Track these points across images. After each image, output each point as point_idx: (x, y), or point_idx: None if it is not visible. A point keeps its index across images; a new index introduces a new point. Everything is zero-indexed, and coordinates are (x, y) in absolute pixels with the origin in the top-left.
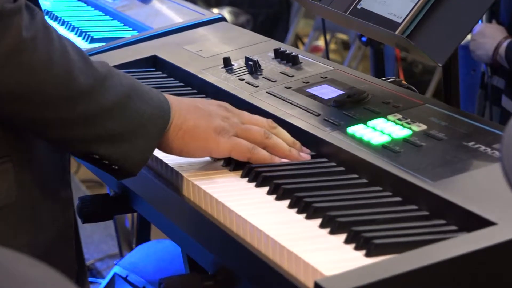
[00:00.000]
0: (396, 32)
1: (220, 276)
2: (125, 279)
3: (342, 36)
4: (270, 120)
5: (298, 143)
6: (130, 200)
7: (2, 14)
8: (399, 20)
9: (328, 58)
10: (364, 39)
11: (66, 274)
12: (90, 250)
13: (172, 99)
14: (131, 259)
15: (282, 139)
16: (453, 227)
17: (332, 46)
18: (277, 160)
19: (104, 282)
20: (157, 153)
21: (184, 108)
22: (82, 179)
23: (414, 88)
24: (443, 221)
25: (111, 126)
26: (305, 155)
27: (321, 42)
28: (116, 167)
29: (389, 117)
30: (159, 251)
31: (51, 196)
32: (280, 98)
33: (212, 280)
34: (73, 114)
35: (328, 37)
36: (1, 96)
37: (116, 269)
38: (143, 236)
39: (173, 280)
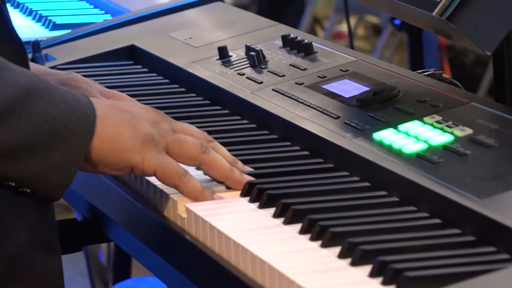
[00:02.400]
0: (434, 13)
1: None
2: None
3: (372, 19)
4: (205, 133)
5: (239, 162)
6: (103, 227)
7: None
8: None
9: (352, 46)
10: (397, 22)
11: None
12: None
13: (96, 101)
14: None
15: (221, 155)
16: (506, 256)
17: (360, 31)
18: (208, 195)
19: None
20: None
21: (102, 112)
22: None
23: (458, 83)
24: (493, 248)
25: (6, 137)
26: (248, 177)
27: (345, 27)
28: (28, 190)
29: (426, 119)
30: None
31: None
32: (289, 97)
33: None
34: None
35: (354, 20)
36: None
37: None
38: (121, 272)
39: None
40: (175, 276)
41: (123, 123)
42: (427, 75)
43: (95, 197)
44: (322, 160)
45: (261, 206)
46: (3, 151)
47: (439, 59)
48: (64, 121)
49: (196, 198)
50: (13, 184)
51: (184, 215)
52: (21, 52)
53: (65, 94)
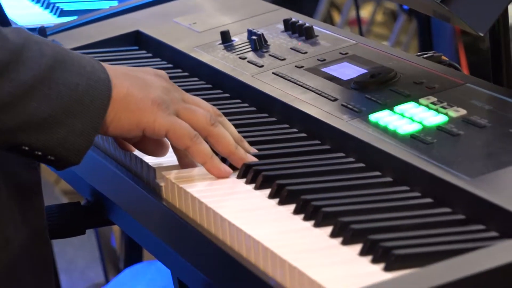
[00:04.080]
0: None
1: None
2: None
3: (391, 5)
4: (214, 107)
5: (246, 143)
6: (106, 210)
7: None
8: None
9: (360, 32)
10: (405, 7)
11: None
12: (73, 278)
13: (107, 66)
14: (115, 287)
15: (228, 131)
16: (494, 233)
17: (379, 17)
18: (217, 161)
19: None
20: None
21: (114, 75)
22: (64, 189)
23: (457, 65)
24: (482, 226)
25: (36, 108)
26: (252, 157)
27: (364, 12)
28: (53, 158)
29: (421, 100)
30: (150, 275)
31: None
32: (288, 80)
33: None
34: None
35: (372, 6)
36: None
37: None
38: (132, 257)
39: None
40: (177, 260)
41: (134, 86)
42: (426, 58)
43: (98, 180)
44: (319, 142)
45: (257, 188)
46: (35, 122)
47: (454, 45)
48: (85, 87)
49: (205, 162)
50: (39, 153)
51: (179, 192)
52: None
53: (82, 61)
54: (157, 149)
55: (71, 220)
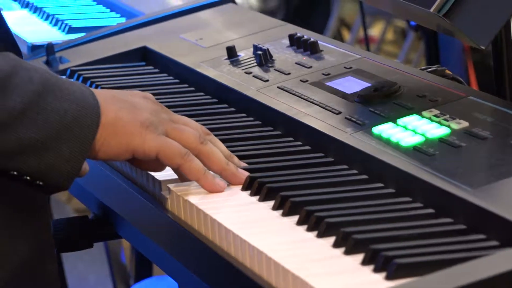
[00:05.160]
0: (431, 10)
1: None
2: None
3: (401, 24)
4: (202, 126)
5: (235, 158)
6: (114, 223)
7: None
8: None
9: (367, 48)
10: (413, 23)
11: None
12: None
13: (95, 91)
14: None
15: (218, 148)
16: (495, 243)
17: (389, 36)
18: (210, 177)
19: None
20: None
21: (103, 100)
22: (76, 208)
23: (460, 79)
24: (482, 236)
25: (24, 133)
26: (243, 172)
27: (374, 30)
28: (41, 183)
29: (424, 113)
30: None
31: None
32: (293, 94)
33: None
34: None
35: (382, 24)
36: None
37: None
38: (142, 272)
39: None
40: (184, 273)
41: (123, 110)
42: (430, 72)
43: (104, 194)
44: (323, 154)
45: (261, 199)
46: (24, 147)
47: (464, 62)
48: (74, 113)
49: (198, 179)
50: (28, 178)
51: (185, 206)
52: (16, 53)
53: (71, 86)
54: (153, 165)
55: (79, 233)
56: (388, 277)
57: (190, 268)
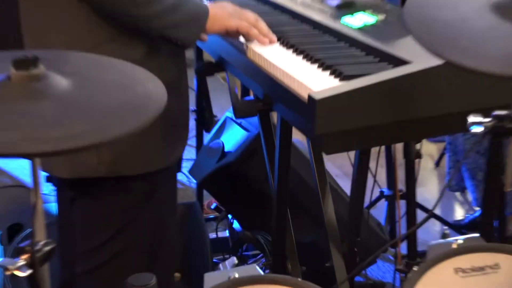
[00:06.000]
0: None
1: (266, 99)
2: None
3: None
4: (256, 15)
5: (271, 33)
6: (226, 67)
7: None
8: None
9: None
10: None
11: None
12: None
13: (208, 4)
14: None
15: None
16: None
17: None
18: (261, 37)
19: (217, 124)
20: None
21: (210, 6)
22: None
23: None
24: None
25: (175, 19)
26: (273, 37)
27: None
28: (179, 42)
29: (367, 11)
30: None
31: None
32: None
33: (262, 102)
34: (151, 11)
35: None
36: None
37: (228, 114)
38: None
39: (241, 103)
40: (253, 84)
41: (219, 9)
42: None
43: (221, 51)
44: (323, 32)
45: (293, 53)
46: (174, 25)
47: None
48: (196, 13)
49: (257, 38)
50: (174, 39)
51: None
52: None
53: (197, 1)
54: (236, 35)
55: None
56: (340, 80)
57: (259, 83)
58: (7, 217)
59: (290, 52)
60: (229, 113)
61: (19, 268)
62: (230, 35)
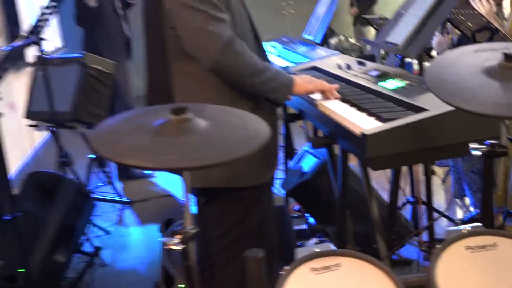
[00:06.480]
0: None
1: (331, 136)
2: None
3: None
4: (326, 83)
5: (336, 93)
6: (304, 115)
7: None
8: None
9: None
10: None
11: None
12: None
13: (293, 76)
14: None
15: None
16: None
17: None
18: (331, 97)
19: (297, 155)
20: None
21: (295, 77)
22: None
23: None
24: (404, 109)
25: (272, 86)
26: (338, 95)
27: None
28: (274, 102)
29: (396, 79)
30: None
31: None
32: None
33: (328, 138)
34: (257, 80)
35: None
36: (223, 70)
37: (304, 148)
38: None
39: (315, 138)
40: (328, 127)
41: (299, 79)
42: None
43: (299, 104)
44: (366, 92)
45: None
46: (271, 90)
47: None
48: (285, 83)
49: (328, 98)
50: (272, 99)
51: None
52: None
53: (286, 75)
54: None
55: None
56: (383, 122)
57: (326, 126)
58: (162, 215)
59: (347, 105)
60: (306, 147)
61: (175, 244)
62: (308, 93)
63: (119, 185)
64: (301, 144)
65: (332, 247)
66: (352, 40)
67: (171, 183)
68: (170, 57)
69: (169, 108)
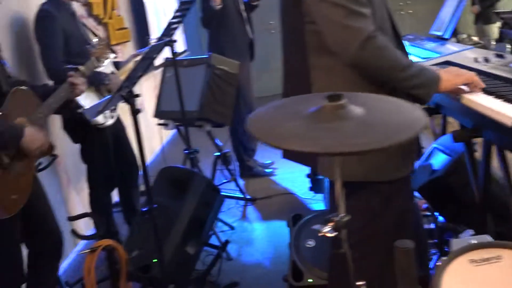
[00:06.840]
0: None
1: (476, 129)
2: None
3: None
4: (474, 75)
5: (481, 84)
6: (440, 108)
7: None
8: None
9: None
10: None
11: None
12: None
13: (439, 72)
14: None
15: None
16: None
17: None
18: (482, 84)
19: (426, 152)
20: None
21: (440, 72)
22: None
23: None
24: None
25: (417, 82)
26: (483, 85)
27: None
28: (417, 99)
29: None
30: None
31: None
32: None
33: (471, 130)
34: (402, 76)
35: None
36: (365, 66)
37: (434, 145)
38: None
39: (458, 132)
40: (463, 118)
41: (448, 74)
42: None
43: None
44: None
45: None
46: (415, 86)
47: None
48: (434, 76)
49: (472, 90)
50: (415, 97)
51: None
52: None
53: (430, 70)
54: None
55: None
56: None
57: (470, 119)
58: (284, 212)
59: (491, 97)
60: (435, 144)
61: (328, 232)
62: (452, 92)
63: (241, 182)
64: (427, 144)
65: (489, 239)
66: (475, 38)
67: (291, 181)
68: (308, 52)
69: (322, 96)
